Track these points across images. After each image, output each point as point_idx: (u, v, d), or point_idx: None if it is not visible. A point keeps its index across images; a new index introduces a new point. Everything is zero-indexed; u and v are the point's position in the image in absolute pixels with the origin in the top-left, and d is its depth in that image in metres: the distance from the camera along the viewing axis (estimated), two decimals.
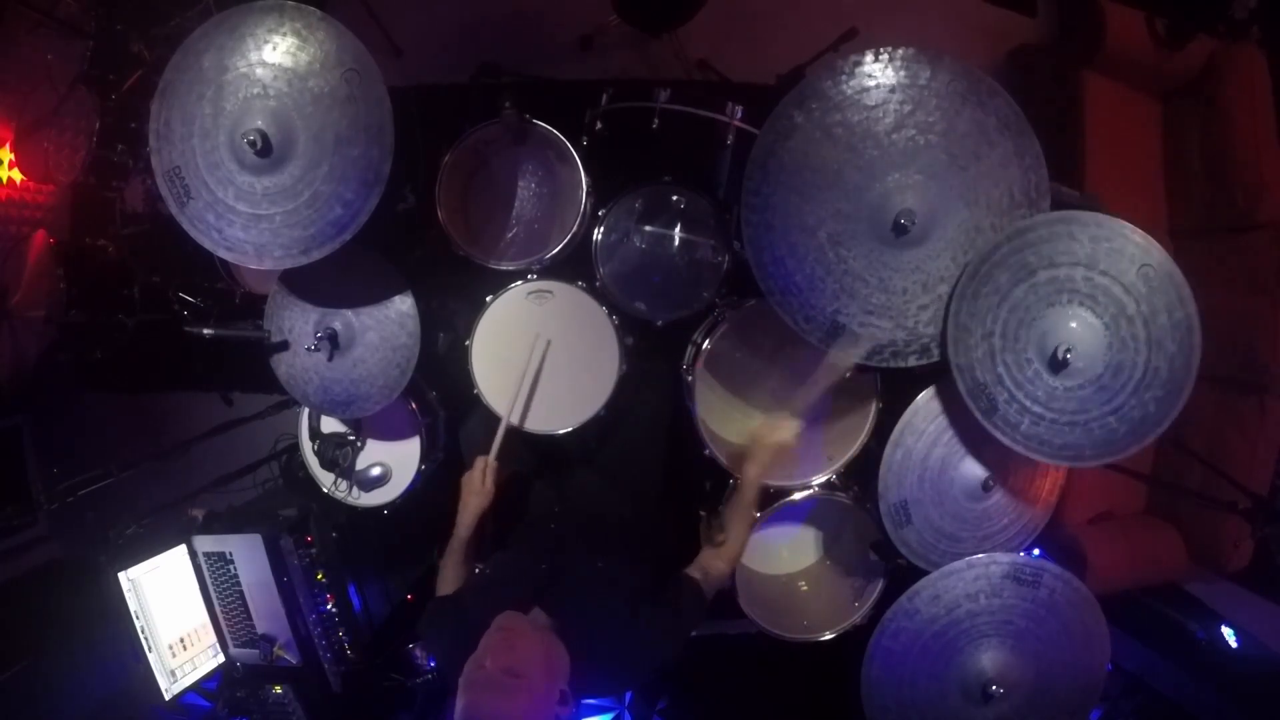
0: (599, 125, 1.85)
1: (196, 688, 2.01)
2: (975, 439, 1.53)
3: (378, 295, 1.72)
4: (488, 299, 1.81)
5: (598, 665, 1.27)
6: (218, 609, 2.07)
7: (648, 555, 1.69)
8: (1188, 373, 1.36)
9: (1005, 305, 1.37)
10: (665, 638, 1.36)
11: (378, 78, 1.43)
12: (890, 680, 1.54)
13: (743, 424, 1.96)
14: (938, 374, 1.50)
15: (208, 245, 1.52)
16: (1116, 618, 1.58)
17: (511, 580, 1.43)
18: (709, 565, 1.50)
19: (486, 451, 1.64)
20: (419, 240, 2.02)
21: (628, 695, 2.35)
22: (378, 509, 2.00)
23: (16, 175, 2.63)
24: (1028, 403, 1.39)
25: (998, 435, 1.40)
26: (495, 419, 1.76)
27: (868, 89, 1.36)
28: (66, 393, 2.91)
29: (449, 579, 1.58)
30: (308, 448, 2.01)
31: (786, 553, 2.07)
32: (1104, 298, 1.35)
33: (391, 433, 1.97)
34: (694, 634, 1.43)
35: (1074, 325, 1.35)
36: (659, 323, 1.87)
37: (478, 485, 1.58)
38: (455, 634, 1.33)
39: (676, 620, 1.39)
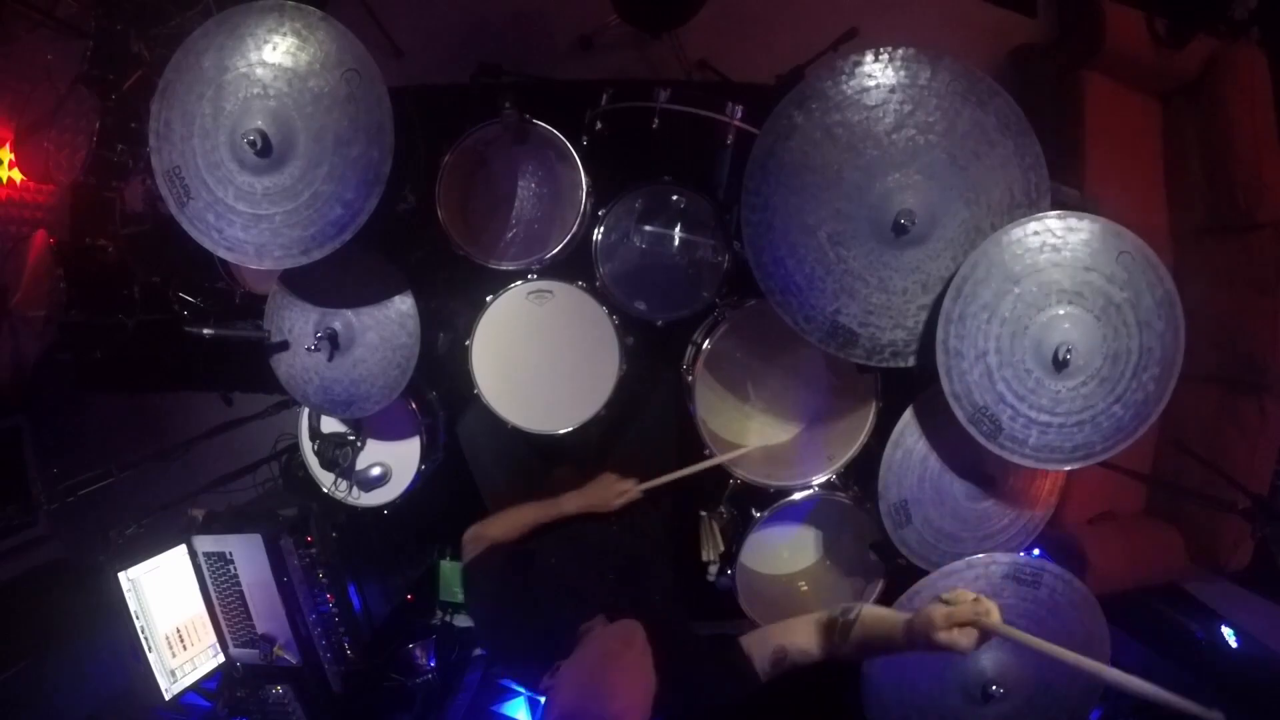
0: (599, 125, 1.85)
1: (196, 688, 2.01)
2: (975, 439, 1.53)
3: (378, 295, 1.72)
4: (488, 299, 1.81)
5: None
6: (218, 609, 2.06)
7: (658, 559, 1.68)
8: (1177, 345, 1.37)
9: (995, 320, 1.37)
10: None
11: (378, 78, 1.43)
12: (890, 680, 1.54)
13: (743, 424, 1.96)
14: (936, 375, 1.50)
15: (208, 245, 1.52)
16: (1116, 618, 1.58)
17: (585, 581, 1.40)
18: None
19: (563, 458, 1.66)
20: (419, 240, 2.02)
21: None
22: (378, 509, 2.00)
23: (16, 175, 2.63)
24: (1034, 414, 1.39)
25: (1006, 455, 1.40)
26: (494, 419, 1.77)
27: (868, 89, 1.36)
28: (66, 393, 2.91)
29: (505, 526, 1.54)
30: (308, 448, 2.01)
31: (786, 553, 2.07)
32: (1090, 292, 1.36)
33: (391, 433, 1.97)
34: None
35: (1067, 325, 1.36)
36: (659, 323, 1.87)
37: (610, 498, 1.58)
38: (512, 598, 1.33)
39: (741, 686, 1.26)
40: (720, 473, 1.81)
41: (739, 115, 1.68)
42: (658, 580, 1.51)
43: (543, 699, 1.11)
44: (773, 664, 1.24)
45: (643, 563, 1.52)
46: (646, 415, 1.90)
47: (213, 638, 2.06)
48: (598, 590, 1.36)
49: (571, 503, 1.58)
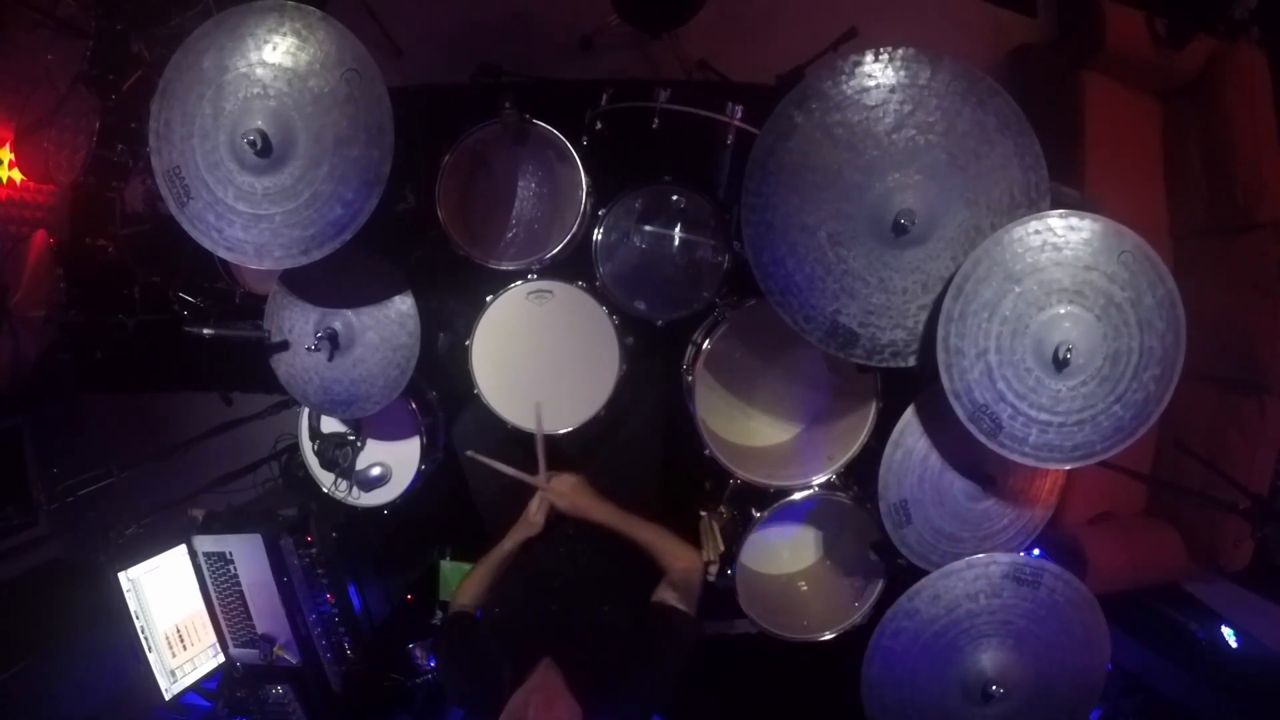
0: (599, 125, 1.85)
1: (196, 688, 2.02)
2: (975, 439, 1.53)
3: (378, 295, 1.72)
4: (488, 299, 1.81)
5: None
6: (218, 609, 2.07)
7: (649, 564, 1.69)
8: (1178, 345, 1.37)
9: (995, 319, 1.37)
10: (667, 682, 1.40)
11: (378, 78, 1.43)
12: (890, 680, 1.54)
13: (743, 424, 1.96)
14: (936, 374, 1.50)
15: (208, 245, 1.52)
16: (1116, 618, 1.58)
17: (527, 625, 1.46)
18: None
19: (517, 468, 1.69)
20: (419, 240, 2.02)
21: None
22: (378, 509, 2.00)
23: (16, 175, 2.63)
24: (1034, 413, 1.38)
25: (1006, 454, 1.39)
26: (491, 417, 1.77)
27: (868, 89, 1.36)
28: (66, 393, 2.91)
29: (472, 591, 1.60)
30: (308, 448, 2.01)
31: (786, 553, 2.07)
32: (1091, 291, 1.35)
33: (391, 433, 1.97)
34: None
35: (1068, 325, 1.35)
36: (659, 323, 1.87)
37: (531, 517, 1.63)
38: (472, 664, 1.42)
39: (679, 661, 1.42)
40: (720, 473, 1.81)
41: (739, 115, 1.68)
42: (604, 592, 1.53)
43: None
44: (670, 587, 1.52)
45: (583, 584, 1.55)
46: (637, 417, 1.90)
47: (213, 638, 2.06)
48: (539, 628, 1.41)
49: (510, 539, 1.64)
